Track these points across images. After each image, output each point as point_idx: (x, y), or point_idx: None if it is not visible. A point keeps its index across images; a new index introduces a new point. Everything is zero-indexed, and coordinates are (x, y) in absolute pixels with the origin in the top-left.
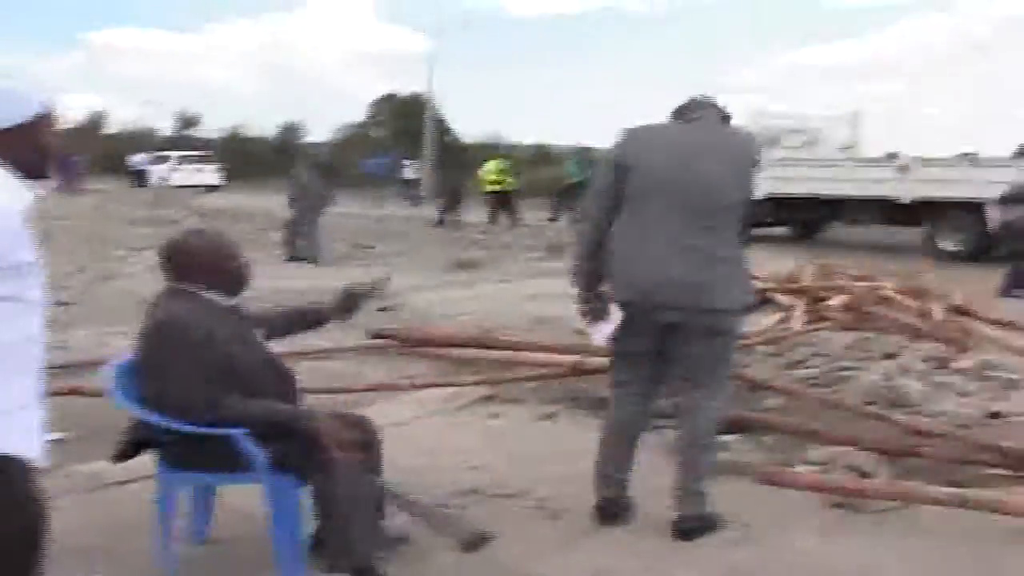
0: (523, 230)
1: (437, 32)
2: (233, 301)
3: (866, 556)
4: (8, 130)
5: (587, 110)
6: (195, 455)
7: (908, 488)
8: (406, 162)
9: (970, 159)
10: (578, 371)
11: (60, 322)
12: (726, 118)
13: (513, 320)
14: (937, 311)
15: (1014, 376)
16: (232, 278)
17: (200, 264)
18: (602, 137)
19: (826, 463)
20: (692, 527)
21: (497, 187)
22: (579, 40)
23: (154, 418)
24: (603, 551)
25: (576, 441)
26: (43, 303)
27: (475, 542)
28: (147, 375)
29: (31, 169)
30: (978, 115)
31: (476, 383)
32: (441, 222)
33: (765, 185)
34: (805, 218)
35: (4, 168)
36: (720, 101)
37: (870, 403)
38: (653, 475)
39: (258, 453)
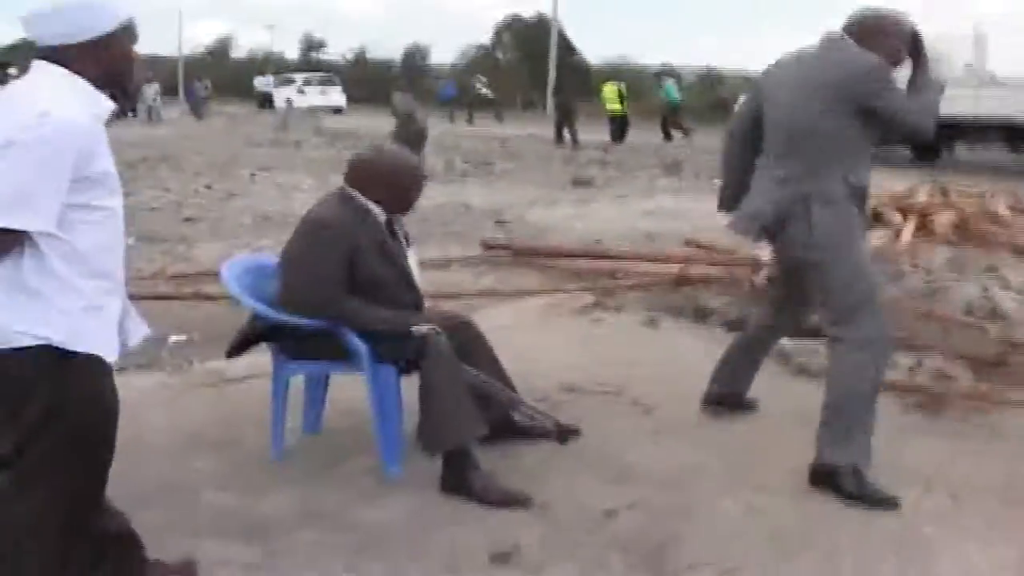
0: (637, 149)
1: None
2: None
3: (941, 455)
4: (87, 43)
5: (715, 31)
6: (307, 347)
7: (987, 391)
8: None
9: None
10: (680, 280)
11: (187, 237)
12: (843, 40)
13: (626, 235)
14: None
15: None
16: (398, 198)
17: (374, 178)
18: (729, 58)
19: (912, 368)
20: (817, 476)
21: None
22: None
23: (267, 311)
24: (691, 447)
25: (673, 346)
26: (119, 211)
27: (566, 435)
28: (285, 266)
29: (112, 82)
30: None
31: (579, 290)
32: (560, 140)
33: None
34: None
35: (83, 80)
36: (861, 17)
37: (966, 314)
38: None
39: (360, 346)
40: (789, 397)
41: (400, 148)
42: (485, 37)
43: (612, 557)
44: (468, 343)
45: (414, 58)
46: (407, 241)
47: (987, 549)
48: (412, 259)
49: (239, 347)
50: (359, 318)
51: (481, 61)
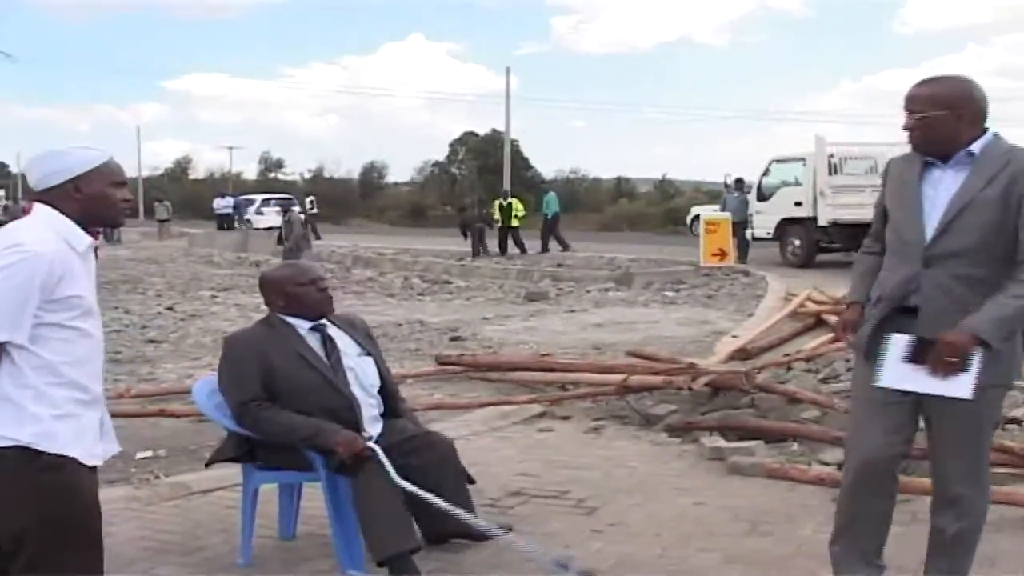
0: (590, 261)
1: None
2: (310, 325)
3: None
4: (62, 185)
5: (665, 142)
6: (273, 457)
7: (908, 481)
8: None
9: None
10: (624, 389)
11: (149, 358)
12: None
13: (575, 347)
14: None
15: None
16: (300, 303)
17: (272, 293)
18: (678, 168)
19: (840, 463)
20: None
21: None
22: (653, 74)
23: (233, 426)
24: (629, 542)
25: (617, 451)
26: (93, 332)
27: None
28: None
29: (92, 218)
30: None
31: (528, 401)
32: (476, 254)
33: (829, 212)
34: None
35: (64, 217)
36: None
37: None
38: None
39: (316, 457)
40: (723, 493)
41: (288, 263)
42: (441, 153)
43: None
44: (435, 461)
45: (371, 175)
46: (364, 346)
47: None
48: (363, 366)
49: (224, 459)
50: (278, 430)
51: (437, 176)
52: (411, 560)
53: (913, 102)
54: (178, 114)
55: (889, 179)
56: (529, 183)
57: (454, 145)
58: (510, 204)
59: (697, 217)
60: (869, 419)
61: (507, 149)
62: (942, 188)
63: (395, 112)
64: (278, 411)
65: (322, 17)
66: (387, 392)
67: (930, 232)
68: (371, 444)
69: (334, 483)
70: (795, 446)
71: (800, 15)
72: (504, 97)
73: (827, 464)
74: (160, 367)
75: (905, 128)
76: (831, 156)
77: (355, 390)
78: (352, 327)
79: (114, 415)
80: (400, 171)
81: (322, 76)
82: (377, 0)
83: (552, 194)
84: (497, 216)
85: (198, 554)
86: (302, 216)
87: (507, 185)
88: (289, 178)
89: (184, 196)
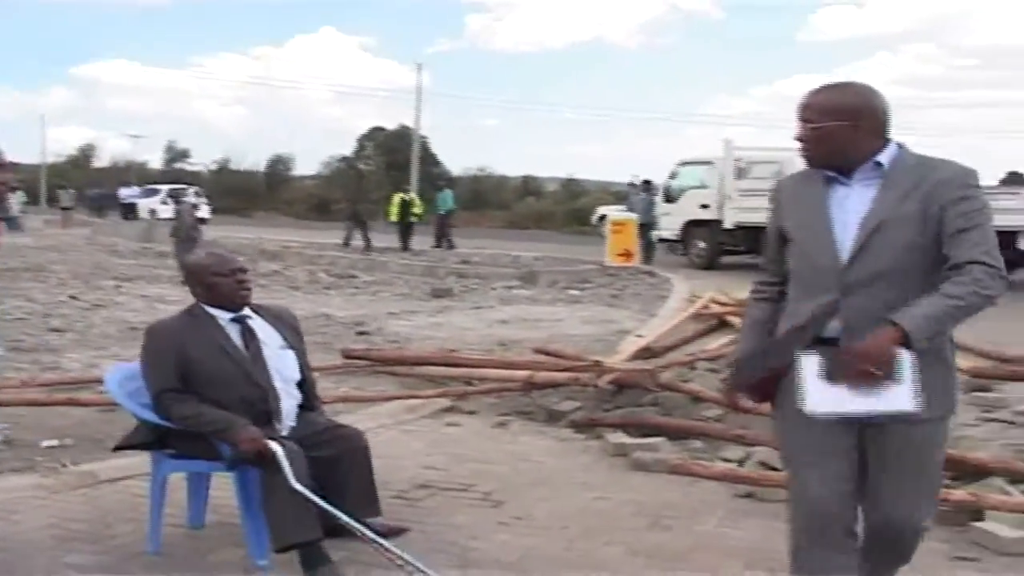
0: (496, 259)
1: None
2: (231, 316)
3: (762, 537)
4: None
5: (575, 142)
6: (186, 446)
7: None
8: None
9: None
10: (529, 385)
11: (53, 347)
12: None
13: (481, 343)
14: None
15: None
16: (215, 293)
17: (198, 280)
18: (586, 168)
19: (741, 460)
20: None
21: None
22: (566, 74)
23: (147, 415)
24: (534, 534)
25: (523, 446)
26: None
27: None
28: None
29: None
30: (961, 144)
31: (435, 395)
32: (346, 245)
33: (735, 215)
34: None
35: None
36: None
37: None
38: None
39: (225, 449)
40: (626, 488)
41: (211, 251)
42: (348, 148)
43: None
44: (346, 453)
45: (278, 168)
46: (288, 339)
47: None
48: (285, 357)
49: (134, 446)
50: (189, 421)
51: (344, 171)
52: (319, 548)
53: (808, 111)
54: (84, 101)
55: (783, 201)
56: (436, 180)
57: (362, 140)
58: (411, 200)
59: (603, 217)
60: (808, 469)
61: (415, 146)
62: (850, 206)
63: (304, 105)
64: (192, 402)
65: (234, 7)
66: (305, 386)
67: (845, 255)
68: (273, 445)
69: (244, 474)
70: (698, 443)
71: (712, 19)
72: (415, 93)
73: (729, 461)
74: (65, 356)
75: (798, 139)
76: (738, 160)
77: (275, 382)
78: (279, 320)
79: (20, 403)
80: (307, 164)
81: (232, 66)
82: None
83: (448, 191)
84: (395, 212)
85: (108, 542)
86: (194, 207)
87: (414, 181)
88: (195, 168)
89: (88, 184)
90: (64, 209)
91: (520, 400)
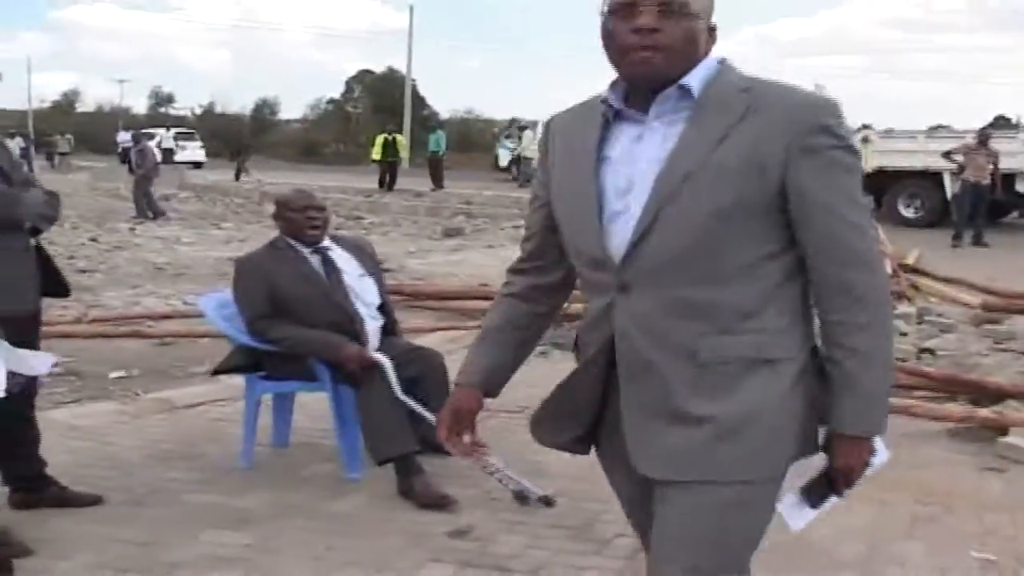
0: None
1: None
2: (311, 248)
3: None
4: None
5: (560, 85)
6: (279, 368)
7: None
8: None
9: (931, 133)
10: (563, 317)
11: (88, 286)
12: None
13: (501, 279)
14: (888, 267)
15: (947, 321)
16: (294, 227)
17: (279, 214)
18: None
19: None
20: None
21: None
22: (550, 16)
23: (238, 336)
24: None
25: (565, 372)
26: None
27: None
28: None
29: None
30: (951, 88)
31: (476, 327)
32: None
33: None
34: None
35: None
36: None
37: None
38: None
39: (323, 368)
40: None
41: (295, 187)
42: (335, 91)
43: (550, 532)
44: (427, 372)
45: (264, 112)
46: (367, 267)
47: None
48: (365, 286)
49: (227, 371)
50: (288, 343)
51: (332, 114)
52: (414, 459)
53: None
54: (65, 45)
55: (553, 151)
56: (427, 122)
57: (350, 83)
58: (394, 140)
59: None
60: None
61: (407, 88)
62: (642, 154)
63: (288, 48)
64: (288, 325)
65: None
66: (385, 310)
67: (625, 234)
68: (380, 357)
69: (338, 393)
70: None
71: None
72: (403, 34)
73: None
74: (102, 295)
75: (640, 30)
76: None
77: (358, 306)
78: (358, 249)
79: (84, 336)
80: (293, 108)
81: (215, 9)
82: None
83: (440, 132)
84: (378, 152)
85: (199, 460)
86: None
87: (406, 124)
88: (180, 113)
89: (73, 130)
90: (61, 155)
91: (555, 333)
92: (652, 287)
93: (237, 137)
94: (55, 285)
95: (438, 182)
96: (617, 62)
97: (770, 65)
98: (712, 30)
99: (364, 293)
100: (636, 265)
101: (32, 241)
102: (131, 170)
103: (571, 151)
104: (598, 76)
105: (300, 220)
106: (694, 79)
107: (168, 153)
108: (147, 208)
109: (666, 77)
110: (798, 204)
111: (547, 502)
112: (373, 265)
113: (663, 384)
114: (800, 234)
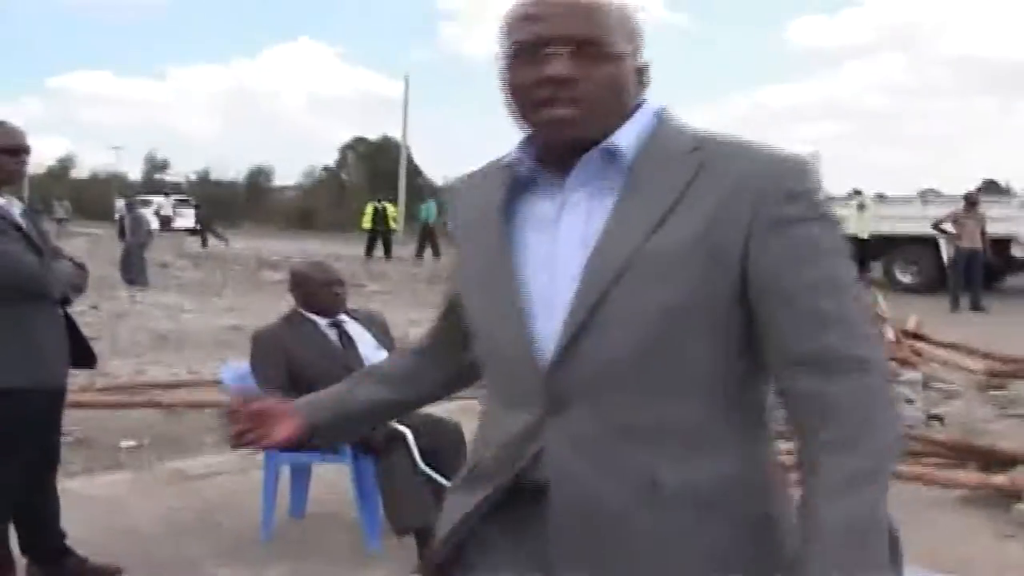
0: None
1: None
2: (327, 321)
3: None
4: None
5: None
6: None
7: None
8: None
9: (923, 197)
10: None
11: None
12: None
13: None
14: (890, 333)
15: (952, 387)
16: (316, 302)
17: (296, 287)
18: None
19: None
20: None
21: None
22: None
23: None
24: None
25: None
26: None
27: None
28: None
29: None
30: (939, 153)
31: None
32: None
33: None
34: None
35: None
36: None
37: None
38: None
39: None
40: None
41: (310, 261)
42: (329, 158)
43: None
44: (445, 443)
45: (258, 178)
46: (380, 340)
47: None
48: (371, 355)
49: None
50: None
51: (326, 181)
52: (433, 530)
53: (561, 20)
54: (60, 111)
55: (459, 226)
56: (420, 190)
57: (344, 150)
58: (384, 209)
59: None
60: None
61: (403, 157)
62: (563, 234)
63: (282, 115)
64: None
65: (209, 17)
66: None
67: (551, 340)
68: (402, 428)
69: (358, 464)
70: None
71: (686, 29)
72: (395, 103)
73: None
74: (108, 364)
75: (550, 81)
76: None
77: None
78: (370, 322)
79: (95, 406)
80: (287, 175)
81: (209, 77)
82: (265, 1)
83: (431, 201)
84: (367, 221)
85: (218, 531)
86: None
87: (401, 192)
88: (175, 179)
89: (69, 196)
90: (59, 221)
91: None
92: (586, 403)
93: (202, 204)
94: (83, 354)
95: (435, 251)
96: (523, 118)
97: (760, 131)
98: (643, 71)
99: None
100: (563, 380)
101: (60, 311)
102: (122, 236)
103: (479, 225)
104: None
105: (323, 294)
106: (624, 138)
107: (166, 221)
108: (137, 275)
109: (587, 137)
110: (763, 295)
111: None
112: (386, 337)
113: (608, 524)
114: (767, 334)
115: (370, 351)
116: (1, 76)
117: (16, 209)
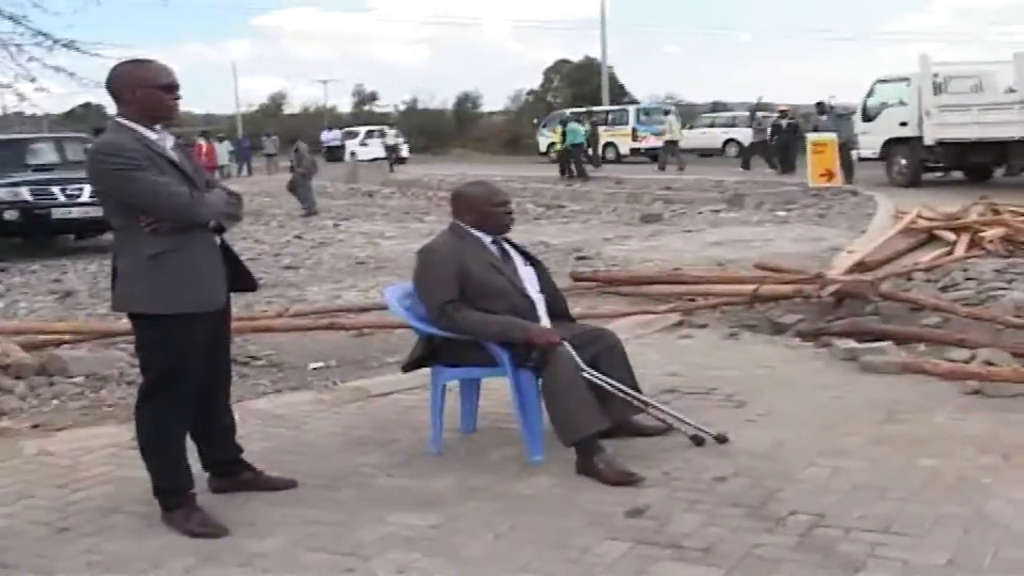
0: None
1: None
2: (491, 238)
3: (992, 429)
4: None
5: (760, 66)
6: (457, 356)
7: None
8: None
9: None
10: (755, 299)
11: (292, 282)
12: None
13: (697, 264)
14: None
15: None
16: (488, 221)
17: (464, 208)
18: (773, 92)
19: (967, 360)
20: None
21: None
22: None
23: (418, 325)
24: (779, 428)
25: (755, 355)
26: None
27: (700, 439)
28: (415, 289)
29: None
30: None
31: (666, 311)
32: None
33: (935, 131)
34: (975, 162)
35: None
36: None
37: (1018, 315)
38: None
39: (502, 353)
40: (858, 388)
41: (480, 181)
42: (534, 82)
43: (726, 510)
44: (604, 352)
45: (466, 105)
46: (529, 260)
47: None
48: (528, 274)
49: (414, 364)
50: (473, 327)
51: (533, 105)
52: (595, 439)
53: None
54: (269, 50)
55: None
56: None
57: (548, 73)
58: (574, 129)
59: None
60: None
61: (604, 78)
62: None
63: (486, 41)
64: (472, 311)
65: None
66: (555, 296)
67: None
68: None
69: (519, 377)
70: (921, 347)
71: None
72: (597, 24)
73: (954, 361)
74: (307, 290)
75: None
76: (935, 76)
77: (531, 293)
78: (512, 243)
79: (285, 330)
80: (493, 100)
81: (412, 7)
82: None
83: (574, 124)
84: (558, 139)
85: (391, 446)
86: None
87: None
88: (383, 110)
89: (281, 131)
90: (268, 156)
91: (744, 314)
92: None
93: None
94: (243, 280)
95: (579, 173)
96: None
97: (975, 33)
98: None
99: (532, 281)
100: None
101: (217, 240)
102: (292, 168)
103: None
104: (793, 55)
105: (499, 214)
106: None
107: (392, 150)
108: (307, 204)
109: None
110: None
111: (721, 439)
112: (529, 256)
113: None
114: None
115: (522, 268)
116: (208, 19)
117: (168, 143)
